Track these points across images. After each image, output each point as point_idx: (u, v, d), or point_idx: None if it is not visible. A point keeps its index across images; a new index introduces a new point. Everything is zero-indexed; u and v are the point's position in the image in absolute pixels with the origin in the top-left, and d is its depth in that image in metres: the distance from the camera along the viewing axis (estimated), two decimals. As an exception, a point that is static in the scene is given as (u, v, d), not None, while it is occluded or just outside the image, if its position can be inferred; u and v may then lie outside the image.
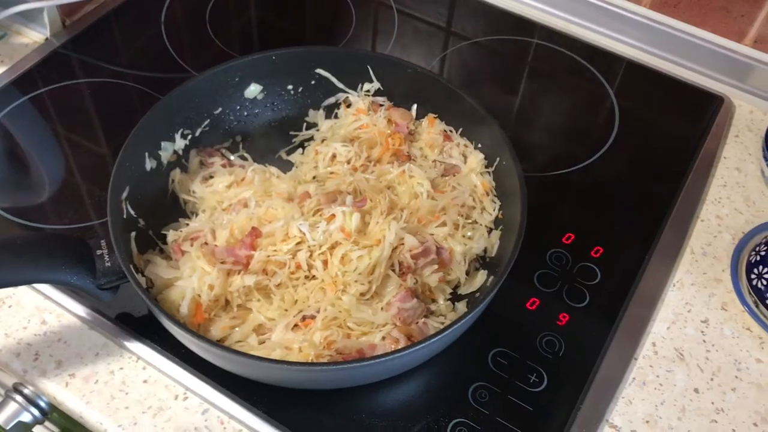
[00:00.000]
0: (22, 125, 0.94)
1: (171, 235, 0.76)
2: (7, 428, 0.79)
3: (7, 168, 0.90)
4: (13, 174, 0.90)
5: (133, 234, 0.74)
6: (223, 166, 0.84)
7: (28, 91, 0.97)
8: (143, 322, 0.75)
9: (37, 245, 0.65)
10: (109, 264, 0.68)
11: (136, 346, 0.73)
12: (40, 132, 0.94)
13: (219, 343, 0.66)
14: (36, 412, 0.79)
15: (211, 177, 0.83)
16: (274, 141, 0.90)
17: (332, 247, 0.73)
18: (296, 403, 0.70)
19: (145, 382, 0.72)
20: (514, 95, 1.02)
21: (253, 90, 0.88)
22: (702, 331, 0.79)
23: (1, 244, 0.64)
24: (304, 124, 0.91)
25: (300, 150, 0.89)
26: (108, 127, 0.95)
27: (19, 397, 0.78)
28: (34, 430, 0.86)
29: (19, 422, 0.79)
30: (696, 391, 0.75)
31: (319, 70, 0.89)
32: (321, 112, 0.91)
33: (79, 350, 0.73)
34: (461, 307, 0.75)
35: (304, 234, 0.73)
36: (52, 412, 0.79)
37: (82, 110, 0.97)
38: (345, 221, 0.74)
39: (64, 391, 0.71)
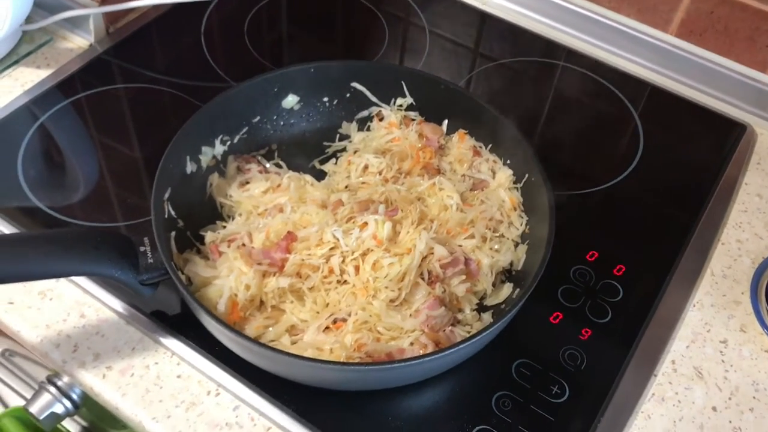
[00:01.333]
0: (63, 127, 0.98)
1: (209, 236, 0.79)
2: (40, 418, 0.81)
3: (47, 168, 0.93)
4: (52, 174, 0.93)
5: (173, 234, 0.77)
6: (260, 172, 0.87)
7: (70, 95, 1.00)
8: (178, 320, 0.78)
9: (85, 239, 0.68)
10: (151, 260, 0.71)
11: (171, 342, 0.76)
12: (80, 134, 0.97)
13: (256, 340, 0.68)
14: (68, 404, 0.81)
15: (248, 182, 0.86)
16: (309, 150, 0.92)
17: (364, 254, 0.75)
18: (325, 403, 0.72)
19: (179, 377, 0.74)
20: (539, 115, 1.05)
21: (291, 100, 0.91)
22: (721, 351, 0.81)
23: (52, 238, 0.67)
24: (338, 135, 0.94)
25: (333, 160, 0.91)
26: (144, 132, 0.98)
27: (53, 389, 0.81)
28: (63, 423, 0.89)
29: (52, 413, 0.81)
30: (714, 409, 0.76)
31: (355, 84, 0.92)
32: (354, 125, 0.94)
33: (116, 344, 0.76)
34: (487, 317, 0.77)
35: (338, 240, 0.75)
36: (83, 406, 0.82)
37: (120, 115, 1.00)
38: (377, 229, 0.76)
39: (101, 383, 0.73)
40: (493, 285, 0.80)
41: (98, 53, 1.06)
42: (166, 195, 0.77)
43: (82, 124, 0.98)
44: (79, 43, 1.08)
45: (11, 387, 0.99)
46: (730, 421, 0.75)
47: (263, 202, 0.83)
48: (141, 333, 0.77)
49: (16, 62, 1.03)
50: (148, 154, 0.95)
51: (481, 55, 1.14)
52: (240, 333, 0.66)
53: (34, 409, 0.81)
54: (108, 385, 0.73)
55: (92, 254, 0.67)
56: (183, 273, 0.74)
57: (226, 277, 0.73)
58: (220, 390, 0.74)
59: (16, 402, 0.97)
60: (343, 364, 0.67)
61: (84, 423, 0.94)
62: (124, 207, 0.88)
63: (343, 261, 0.75)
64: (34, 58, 1.04)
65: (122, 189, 0.90)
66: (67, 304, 0.79)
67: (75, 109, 1.00)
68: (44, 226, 0.84)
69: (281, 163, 0.90)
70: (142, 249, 0.71)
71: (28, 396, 0.83)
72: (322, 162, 0.92)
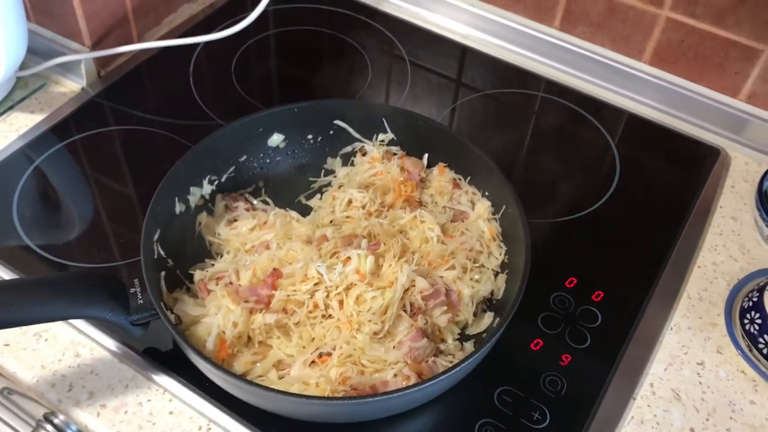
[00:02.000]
0: (58, 169, 1.01)
1: (198, 274, 0.82)
2: (38, 456, 0.83)
3: (43, 209, 0.96)
4: (48, 215, 0.96)
5: (163, 273, 0.79)
6: (247, 210, 0.90)
7: (65, 138, 1.04)
8: (169, 357, 0.80)
9: (77, 284, 0.70)
10: (141, 301, 0.73)
11: (163, 379, 0.78)
12: (74, 176, 1.00)
13: (242, 377, 0.71)
14: (67, 442, 0.83)
15: (236, 220, 0.89)
16: (295, 186, 0.95)
17: (348, 288, 0.78)
18: (314, 437, 0.74)
19: (171, 413, 0.76)
20: (520, 144, 1.08)
21: (276, 139, 0.94)
22: (698, 373, 0.83)
23: (45, 283, 0.70)
24: (323, 170, 0.97)
25: (318, 195, 0.94)
26: (136, 172, 1.00)
27: (49, 427, 0.83)
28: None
29: (50, 451, 0.84)
30: (692, 430, 0.78)
31: (338, 122, 0.95)
32: (338, 160, 0.97)
33: (109, 382, 0.78)
34: (469, 346, 0.80)
35: (322, 275, 0.78)
36: (79, 442, 0.84)
37: (113, 156, 1.03)
38: (360, 263, 0.79)
39: (96, 421, 0.76)
40: (474, 314, 0.82)
41: (90, 96, 1.10)
42: (156, 236, 0.80)
43: (77, 166, 1.01)
44: (71, 87, 1.11)
45: (9, 425, 1.01)
46: (708, 442, 0.78)
47: (250, 239, 0.86)
48: (134, 371, 0.79)
49: (10, 108, 1.06)
50: (142, 192, 0.98)
51: (463, 86, 1.17)
52: (227, 371, 0.68)
53: (31, 447, 0.83)
54: (102, 422, 0.76)
55: (84, 298, 0.70)
56: (173, 312, 0.76)
57: (215, 315, 0.76)
58: (212, 425, 0.76)
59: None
60: (328, 399, 0.69)
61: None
62: (120, 246, 0.91)
63: (327, 296, 0.78)
64: (28, 103, 1.08)
65: (118, 227, 0.93)
66: (62, 345, 0.81)
67: (69, 151, 1.03)
68: (39, 267, 0.87)
69: (268, 199, 0.93)
70: (132, 290, 0.74)
71: (26, 434, 0.85)
72: (308, 197, 0.95)
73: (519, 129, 1.11)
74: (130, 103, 1.10)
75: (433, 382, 0.68)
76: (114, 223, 0.94)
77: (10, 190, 0.96)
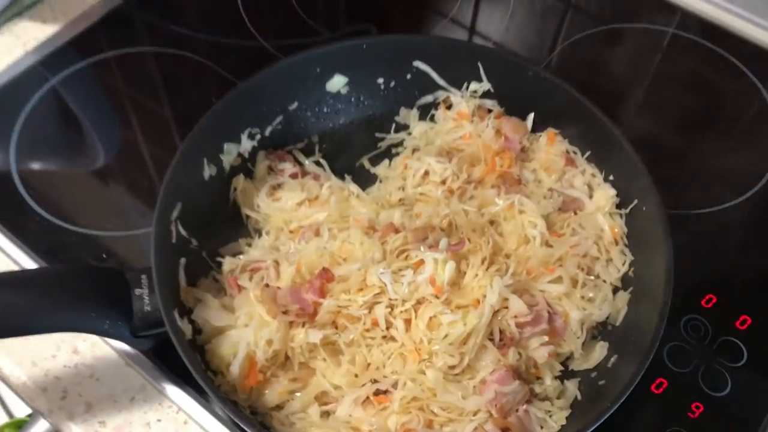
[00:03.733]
0: (75, 94, 0.83)
1: (227, 263, 0.64)
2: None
3: (59, 135, 0.80)
4: (64, 141, 0.80)
5: (183, 261, 0.62)
6: (294, 175, 0.71)
7: (88, 55, 0.85)
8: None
9: (63, 287, 0.53)
10: (148, 308, 0.56)
11: (179, 394, 0.62)
12: (97, 99, 0.84)
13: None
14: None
15: (280, 187, 0.70)
16: (357, 144, 0.76)
17: (418, 304, 0.59)
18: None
19: (185, 440, 0.61)
20: (652, 104, 0.84)
21: (337, 82, 0.74)
22: None
23: (17, 283, 0.52)
24: (394, 124, 0.77)
25: (386, 160, 0.74)
26: (172, 102, 0.83)
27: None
28: None
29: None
30: None
31: (418, 63, 0.74)
32: (415, 112, 0.77)
33: (112, 391, 0.63)
34: (572, 388, 0.61)
35: (385, 284, 0.59)
36: None
37: (146, 80, 0.85)
38: (437, 271, 0.59)
39: (93, 442, 0.61)
40: (583, 345, 0.62)
41: (117, 4, 0.90)
42: (175, 213, 0.62)
43: (101, 90, 0.84)
44: (91, -9, 0.91)
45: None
46: None
47: (297, 217, 0.68)
48: (142, 379, 0.64)
49: (18, 14, 0.87)
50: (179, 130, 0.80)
51: (579, 15, 0.92)
52: (255, 424, 0.52)
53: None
54: (100, 445, 0.61)
55: (72, 306, 0.53)
56: (191, 320, 0.59)
57: (244, 327, 0.59)
58: (235, 462, 0.60)
59: (21, 412, 0.87)
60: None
61: None
62: (143, 202, 0.74)
63: (390, 312, 0.60)
64: (39, 10, 0.88)
65: (154, 175, 0.76)
66: (58, 336, 0.66)
67: (94, 71, 0.84)
68: (35, 231, 0.70)
69: (322, 161, 0.74)
70: (137, 292, 0.57)
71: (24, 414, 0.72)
72: (374, 161, 0.75)
73: (642, 82, 0.87)
74: (164, 15, 0.90)
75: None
76: (134, 162, 0.78)
77: (10, 120, 0.79)
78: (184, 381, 0.62)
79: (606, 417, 0.53)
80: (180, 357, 0.62)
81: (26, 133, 0.79)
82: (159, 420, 0.62)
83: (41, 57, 0.85)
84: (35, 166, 0.77)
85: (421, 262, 0.61)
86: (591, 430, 0.54)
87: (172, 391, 0.62)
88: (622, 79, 0.87)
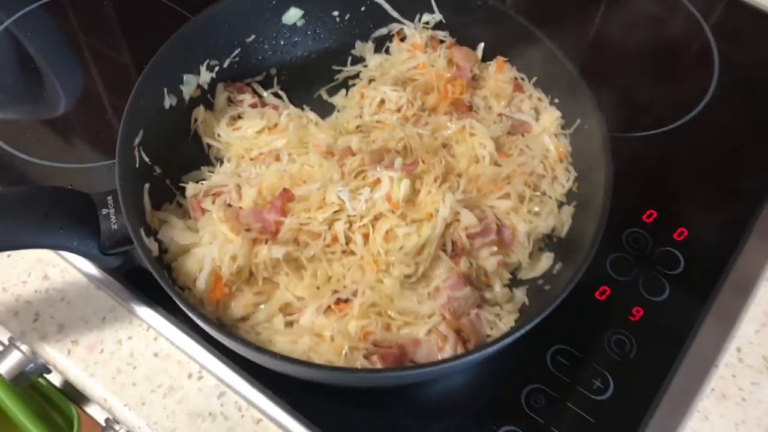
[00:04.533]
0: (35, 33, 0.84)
1: (191, 188, 0.66)
2: (9, 379, 0.72)
3: (17, 81, 0.80)
4: (24, 88, 0.80)
5: (147, 186, 0.64)
6: (254, 106, 0.73)
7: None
8: (158, 284, 0.66)
9: (31, 205, 0.55)
10: (115, 226, 0.58)
11: (148, 314, 0.65)
12: (50, 44, 0.84)
13: (242, 338, 0.57)
14: (41, 362, 0.72)
15: (240, 118, 0.72)
16: (314, 76, 0.79)
17: (375, 219, 0.63)
18: (323, 395, 0.62)
19: (155, 355, 0.64)
20: (593, 35, 0.88)
21: (293, 15, 0.76)
22: (798, 340, 0.68)
23: (-11, 202, 0.55)
24: (350, 58, 0.79)
25: (343, 91, 0.77)
26: (131, 43, 0.84)
27: (24, 346, 0.72)
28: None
29: (23, 373, 0.72)
30: (785, 411, 0.65)
31: (371, -6, 0.76)
32: (370, 45, 0.79)
33: (83, 313, 0.65)
34: (520, 295, 0.65)
35: (344, 202, 0.62)
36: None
37: (102, 19, 0.85)
38: (392, 188, 0.63)
39: (66, 360, 0.64)
40: (530, 255, 0.66)
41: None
42: (137, 139, 0.64)
43: (58, 30, 0.84)
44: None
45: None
46: (804, 426, 0.64)
47: (257, 144, 0.70)
48: (113, 300, 0.66)
49: (-28, -44, 0.87)
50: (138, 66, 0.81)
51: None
52: (221, 328, 0.55)
53: (2, 368, 0.72)
54: (74, 362, 0.64)
55: (40, 224, 0.55)
56: (156, 239, 0.61)
57: (209, 244, 0.61)
58: (204, 373, 0.63)
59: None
60: (343, 370, 0.55)
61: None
62: (101, 141, 0.75)
63: (349, 227, 0.63)
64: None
65: (99, 115, 0.78)
66: (27, 263, 0.68)
67: (48, 12, 0.85)
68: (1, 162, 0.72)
69: (281, 93, 0.76)
70: (104, 211, 0.59)
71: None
72: (331, 92, 0.78)
73: (594, 14, 0.90)
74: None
75: (478, 354, 0.54)
76: (95, 108, 0.78)
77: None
78: (153, 300, 0.65)
79: (549, 312, 0.57)
80: (148, 279, 0.65)
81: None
82: (130, 337, 0.65)
83: (-5, -1, 0.86)
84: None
85: (378, 180, 0.64)
86: (535, 325, 0.58)
87: (141, 310, 0.65)
88: (570, 14, 0.90)
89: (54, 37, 0.86)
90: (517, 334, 0.55)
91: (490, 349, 0.54)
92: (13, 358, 0.72)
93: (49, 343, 0.64)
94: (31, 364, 0.73)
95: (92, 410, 0.84)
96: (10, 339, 0.72)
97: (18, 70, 0.83)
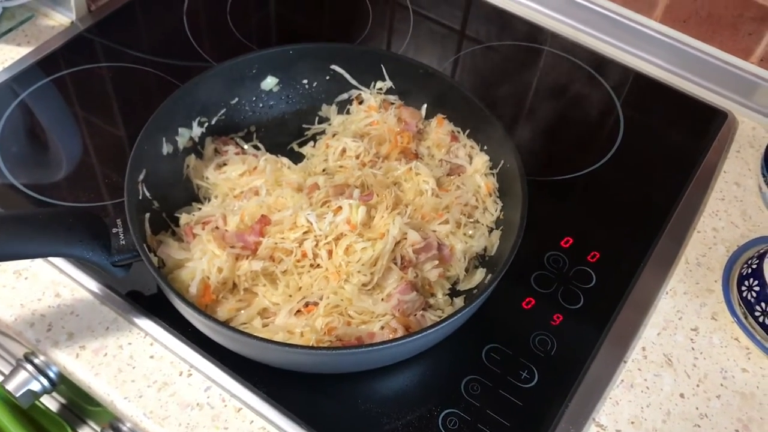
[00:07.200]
0: (44, 105, 0.98)
1: (184, 218, 0.79)
2: (17, 395, 0.82)
3: (27, 146, 0.93)
4: (32, 152, 0.93)
5: (147, 215, 0.77)
6: (237, 154, 0.87)
7: (52, 72, 1.00)
8: (152, 301, 0.78)
9: (57, 220, 0.68)
10: (123, 242, 0.71)
11: (145, 323, 0.76)
12: (61, 113, 0.97)
13: (226, 324, 0.69)
14: (45, 382, 0.82)
15: (225, 164, 0.86)
16: (287, 132, 0.92)
17: (338, 238, 0.76)
18: (295, 386, 0.72)
19: (151, 357, 0.75)
20: (523, 100, 1.05)
21: (270, 82, 0.91)
22: (691, 339, 0.82)
23: (23, 218, 0.67)
24: (317, 118, 0.94)
25: (312, 143, 0.91)
26: (126, 111, 0.98)
27: (29, 366, 0.82)
28: (42, 400, 0.90)
29: (29, 390, 0.82)
30: (682, 396, 0.77)
31: (334, 66, 0.92)
32: (334, 107, 0.94)
33: (90, 324, 0.77)
34: (459, 302, 0.78)
35: (312, 224, 0.76)
36: (60, 383, 0.83)
37: (103, 94, 1.00)
38: (351, 213, 0.76)
39: (75, 362, 0.74)
40: (466, 270, 0.80)
41: (80, 31, 1.06)
42: (141, 176, 0.77)
43: (64, 102, 0.98)
44: (60, 20, 1.07)
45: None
46: (697, 408, 0.76)
47: (239, 184, 0.83)
48: (115, 313, 0.78)
49: (-4, 39, 1.03)
50: (131, 132, 0.94)
51: (466, 38, 1.13)
52: (210, 317, 0.66)
53: (10, 386, 0.82)
54: (81, 364, 0.74)
55: (64, 236, 0.67)
56: (156, 255, 0.74)
57: (199, 259, 0.74)
58: (192, 371, 0.74)
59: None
60: (312, 348, 0.67)
61: (62, 400, 0.94)
62: (106, 186, 0.88)
63: (316, 245, 0.76)
64: (14, 35, 1.04)
65: (104, 168, 0.90)
66: (42, 284, 0.79)
67: (57, 86, 0.99)
68: (22, 205, 0.84)
69: (259, 145, 0.90)
70: (114, 230, 0.72)
71: (6, 372, 0.84)
72: (301, 144, 0.92)
73: (522, 84, 1.07)
74: (120, 40, 1.06)
75: (421, 335, 0.66)
76: (101, 162, 0.91)
77: (-7, 124, 0.93)
78: (151, 312, 0.77)
79: (478, 303, 0.70)
80: (146, 296, 0.78)
81: (6, 136, 0.93)
82: (130, 343, 0.76)
83: (13, 74, 1.00)
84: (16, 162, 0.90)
85: (339, 208, 0.77)
86: (468, 319, 0.71)
87: (140, 321, 0.76)
88: (499, 81, 1.08)
89: (60, 109, 1.00)
90: (455, 318, 0.67)
91: (431, 331, 0.66)
92: (21, 377, 0.83)
93: (60, 348, 0.75)
94: (36, 383, 0.83)
95: (85, 432, 0.93)
96: (18, 360, 0.83)
97: (26, 139, 0.95)
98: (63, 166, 0.91)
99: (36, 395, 0.83)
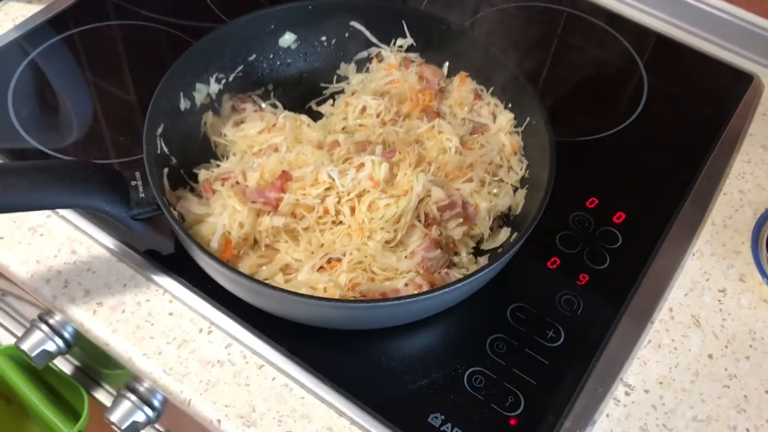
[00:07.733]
0: (55, 64, 0.96)
1: (203, 174, 0.77)
2: (32, 355, 0.81)
3: (39, 105, 0.91)
4: (44, 111, 0.91)
5: (166, 170, 0.75)
6: (255, 111, 0.85)
7: (62, 31, 0.98)
8: (170, 258, 0.77)
9: (76, 171, 0.66)
10: (143, 195, 0.69)
11: (164, 280, 0.75)
12: (72, 72, 0.95)
13: (249, 276, 0.67)
14: (60, 342, 0.81)
15: (243, 122, 0.84)
16: (306, 91, 0.91)
17: (360, 195, 0.74)
18: (317, 342, 0.71)
19: (170, 314, 0.73)
20: (544, 61, 1.02)
21: (288, 39, 0.89)
22: (719, 300, 0.80)
23: (40, 168, 0.66)
24: (335, 76, 0.92)
25: (330, 101, 0.89)
26: (137, 70, 0.96)
27: (44, 327, 0.80)
28: (56, 362, 0.89)
29: (44, 350, 0.81)
30: (710, 356, 0.76)
31: (354, 23, 0.89)
32: (353, 66, 0.92)
33: (107, 280, 0.75)
34: (483, 261, 0.76)
35: (334, 180, 0.74)
36: (75, 344, 0.81)
37: (114, 53, 0.98)
38: (374, 170, 0.74)
39: (92, 319, 0.73)
40: (491, 229, 0.78)
41: (91, -10, 1.03)
42: (159, 130, 0.75)
43: (75, 62, 0.96)
44: (71, -22, 1.05)
45: (3, 326, 0.99)
46: (726, 369, 0.75)
47: (258, 141, 0.82)
48: (133, 270, 0.76)
49: (7, -4, 1.00)
50: (142, 93, 0.93)
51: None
52: (235, 269, 0.65)
53: (25, 346, 0.81)
54: (98, 321, 0.73)
55: (82, 186, 0.66)
56: (175, 210, 0.72)
57: (220, 214, 0.72)
58: (213, 328, 0.73)
59: (8, 341, 0.97)
60: (341, 301, 0.66)
61: (77, 363, 0.93)
62: (117, 145, 0.87)
63: (338, 201, 0.74)
64: (25, -8, 1.02)
65: (116, 128, 0.89)
66: (57, 240, 0.78)
67: (67, 45, 0.97)
68: (34, 159, 0.83)
69: (277, 103, 0.88)
70: (133, 183, 0.70)
71: (20, 335, 0.82)
72: (319, 104, 0.90)
73: (543, 45, 1.05)
74: (134, 1, 1.03)
75: (446, 290, 0.65)
76: (113, 123, 0.90)
77: (5, 82, 0.91)
78: (169, 269, 0.75)
79: (503, 261, 0.68)
80: (164, 253, 0.76)
81: (18, 95, 0.91)
82: (148, 300, 0.74)
83: (23, 32, 0.98)
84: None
85: (362, 164, 0.76)
86: (493, 277, 0.69)
87: (159, 277, 0.75)
88: (519, 43, 1.05)
89: (71, 68, 0.98)
90: (481, 274, 0.66)
91: (457, 286, 0.65)
92: (36, 337, 0.81)
93: (77, 305, 0.73)
94: (51, 343, 0.82)
95: (100, 395, 0.92)
96: (32, 321, 0.82)
97: (37, 98, 0.93)
98: (74, 126, 0.89)
99: (51, 356, 0.82)
